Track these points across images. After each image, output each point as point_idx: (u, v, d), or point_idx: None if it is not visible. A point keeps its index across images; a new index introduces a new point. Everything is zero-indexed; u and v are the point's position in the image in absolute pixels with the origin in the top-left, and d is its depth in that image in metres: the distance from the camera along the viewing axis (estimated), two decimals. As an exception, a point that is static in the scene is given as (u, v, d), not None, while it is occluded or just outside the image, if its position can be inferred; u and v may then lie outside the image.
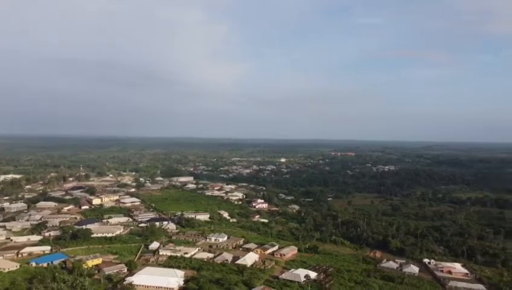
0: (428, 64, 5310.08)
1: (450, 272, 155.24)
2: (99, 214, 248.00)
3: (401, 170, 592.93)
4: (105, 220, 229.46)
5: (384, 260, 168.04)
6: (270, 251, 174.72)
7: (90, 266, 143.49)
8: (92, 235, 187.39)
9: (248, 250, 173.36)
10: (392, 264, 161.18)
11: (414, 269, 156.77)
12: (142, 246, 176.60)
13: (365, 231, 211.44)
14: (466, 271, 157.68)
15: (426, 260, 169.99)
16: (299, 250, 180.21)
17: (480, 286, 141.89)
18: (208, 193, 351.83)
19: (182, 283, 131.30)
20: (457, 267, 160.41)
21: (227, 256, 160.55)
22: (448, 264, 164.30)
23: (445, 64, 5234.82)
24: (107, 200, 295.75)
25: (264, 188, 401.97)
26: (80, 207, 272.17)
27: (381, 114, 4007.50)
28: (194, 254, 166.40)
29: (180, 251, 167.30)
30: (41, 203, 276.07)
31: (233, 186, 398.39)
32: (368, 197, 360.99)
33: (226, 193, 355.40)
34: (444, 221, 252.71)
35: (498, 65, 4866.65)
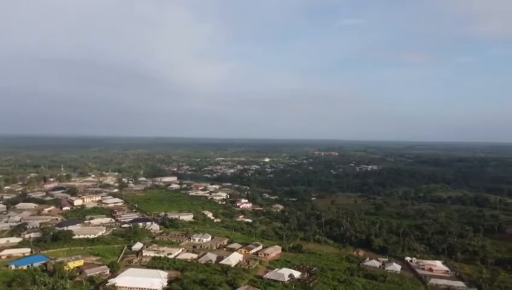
0: (410, 65, 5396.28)
1: (431, 270, 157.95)
2: (81, 215, 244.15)
3: (383, 169, 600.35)
4: (87, 221, 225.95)
5: (367, 259, 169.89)
6: (254, 250, 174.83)
7: (72, 268, 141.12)
8: (74, 237, 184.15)
9: (232, 250, 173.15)
10: (374, 263, 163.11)
11: (396, 267, 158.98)
12: (125, 247, 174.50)
13: (348, 230, 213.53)
14: (446, 269, 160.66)
15: (408, 258, 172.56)
16: (283, 249, 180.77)
17: (460, 283, 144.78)
18: (192, 193, 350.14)
19: (165, 284, 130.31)
20: (438, 265, 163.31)
21: (211, 256, 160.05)
22: (430, 262, 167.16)
23: (427, 65, 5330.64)
24: (89, 201, 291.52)
25: (248, 188, 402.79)
26: (61, 208, 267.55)
27: (364, 114, 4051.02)
28: (178, 254, 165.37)
29: (163, 251, 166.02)
30: (21, 205, 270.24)
31: (217, 186, 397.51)
32: (351, 197, 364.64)
33: (210, 193, 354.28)
34: (426, 219, 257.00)
35: (477, 67, 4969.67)
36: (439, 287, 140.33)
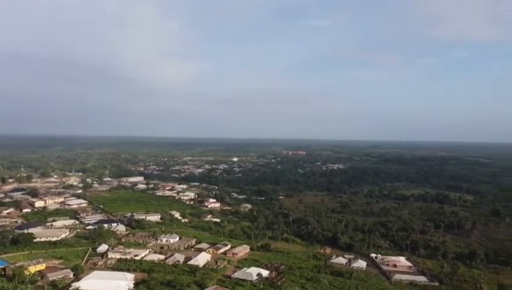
0: (378, 66, 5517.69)
1: (395, 266, 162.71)
2: (42, 217, 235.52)
3: (349, 168, 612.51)
4: (49, 224, 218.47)
5: (334, 256, 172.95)
6: (222, 250, 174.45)
7: (33, 272, 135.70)
8: (35, 240, 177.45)
9: (200, 250, 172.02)
10: (341, 260, 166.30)
11: (362, 263, 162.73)
12: (90, 249, 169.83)
13: (315, 228, 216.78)
14: (410, 264, 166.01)
15: (373, 255, 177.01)
16: (251, 249, 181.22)
17: (423, 277, 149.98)
18: (159, 193, 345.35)
19: (132, 286, 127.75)
20: (402, 261, 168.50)
21: (179, 257, 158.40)
22: (394, 258, 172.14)
23: (393, 66, 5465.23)
24: (51, 203, 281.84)
25: (216, 188, 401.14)
26: (21, 210, 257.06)
27: (331, 114, 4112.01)
28: (145, 255, 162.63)
29: (130, 253, 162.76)
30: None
31: (185, 186, 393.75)
32: (318, 195, 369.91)
33: (178, 192, 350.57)
34: (390, 217, 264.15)
35: (439, 68, 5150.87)
36: (402, 282, 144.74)
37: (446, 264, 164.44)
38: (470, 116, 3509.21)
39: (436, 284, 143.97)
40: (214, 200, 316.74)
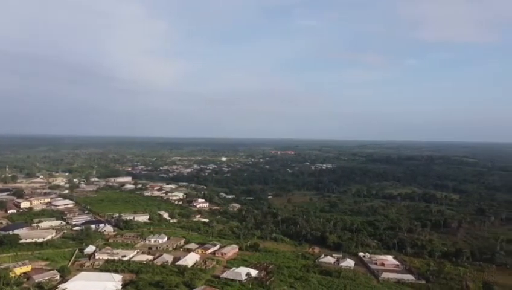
0: (364, 66, 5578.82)
1: (383, 264, 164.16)
2: (28, 218, 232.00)
3: (337, 167, 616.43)
4: (35, 225, 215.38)
5: (322, 255, 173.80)
6: (211, 250, 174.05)
7: (18, 274, 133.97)
8: (21, 241, 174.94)
9: (189, 250, 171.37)
10: (329, 259, 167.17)
11: (350, 262, 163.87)
12: (77, 250, 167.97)
13: (304, 228, 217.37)
14: (397, 263, 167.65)
15: (361, 254, 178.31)
16: (240, 248, 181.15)
17: (410, 276, 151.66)
18: (147, 194, 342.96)
19: (119, 287, 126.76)
20: (389, 259, 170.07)
21: (168, 257, 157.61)
22: (381, 256, 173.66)
23: (379, 66, 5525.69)
24: (37, 203, 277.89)
25: (205, 188, 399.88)
26: (6, 211, 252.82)
27: (319, 113, 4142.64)
28: (133, 256, 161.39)
29: (117, 254, 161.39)
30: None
31: (173, 186, 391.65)
32: (307, 195, 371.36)
33: (166, 193, 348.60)
34: (377, 216, 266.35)
35: (422, 69, 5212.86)
36: (390, 281, 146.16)
37: (433, 263, 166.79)
38: (454, 116, 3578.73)
39: (423, 282, 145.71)
40: (203, 200, 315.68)
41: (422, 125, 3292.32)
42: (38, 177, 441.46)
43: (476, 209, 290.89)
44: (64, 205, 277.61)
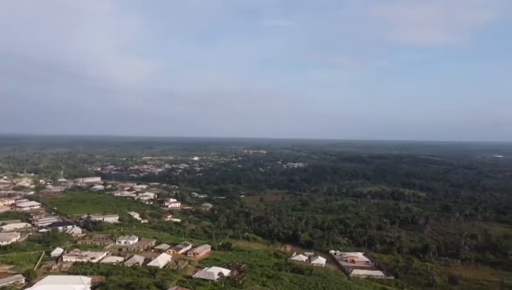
0: (336, 67, 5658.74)
1: (353, 261, 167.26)
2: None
3: (309, 166, 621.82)
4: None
5: (294, 254, 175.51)
6: (183, 250, 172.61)
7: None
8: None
9: (160, 251, 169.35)
10: (301, 257, 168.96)
11: (321, 260, 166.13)
12: (43, 253, 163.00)
13: (276, 227, 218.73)
14: (367, 259, 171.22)
15: (332, 251, 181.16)
16: (212, 248, 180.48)
17: (379, 272, 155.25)
18: (117, 194, 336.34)
19: (88, 289, 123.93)
20: (360, 256, 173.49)
21: (138, 259, 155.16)
22: (352, 254, 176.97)
23: (351, 67, 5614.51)
24: (1, 205, 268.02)
25: (176, 187, 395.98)
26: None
27: (291, 113, 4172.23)
28: (102, 258, 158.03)
29: (86, 256, 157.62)
30: None
31: (144, 186, 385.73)
32: (279, 193, 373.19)
33: (137, 193, 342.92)
34: (348, 214, 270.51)
35: (392, 70, 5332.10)
36: (360, 277, 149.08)
37: (401, 259, 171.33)
38: (421, 116, 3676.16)
39: (392, 278, 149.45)
40: (175, 200, 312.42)
41: (392, 125, 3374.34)
42: (1, 178, 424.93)
43: (442, 206, 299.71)
44: (30, 206, 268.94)
